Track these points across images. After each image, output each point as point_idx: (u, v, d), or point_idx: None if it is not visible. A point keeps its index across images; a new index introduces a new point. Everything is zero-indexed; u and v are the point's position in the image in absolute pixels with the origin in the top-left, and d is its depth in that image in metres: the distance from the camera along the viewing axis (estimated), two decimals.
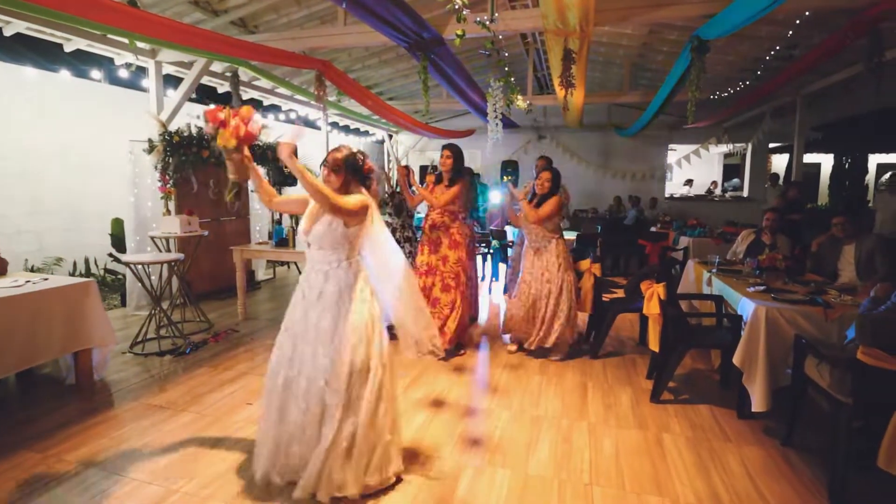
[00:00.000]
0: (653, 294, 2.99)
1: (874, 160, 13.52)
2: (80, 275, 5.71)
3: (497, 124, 4.43)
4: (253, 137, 1.96)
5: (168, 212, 4.48)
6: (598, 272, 3.73)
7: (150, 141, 4.67)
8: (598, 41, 6.84)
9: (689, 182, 11.56)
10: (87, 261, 5.78)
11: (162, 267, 3.88)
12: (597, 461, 2.36)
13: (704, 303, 3.60)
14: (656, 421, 2.77)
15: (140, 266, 3.81)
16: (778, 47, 4.83)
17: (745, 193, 10.83)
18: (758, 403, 2.64)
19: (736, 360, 2.69)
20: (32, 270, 5.13)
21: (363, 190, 2.10)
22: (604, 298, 3.93)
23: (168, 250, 4.25)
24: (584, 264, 3.83)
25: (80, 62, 5.35)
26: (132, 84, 5.77)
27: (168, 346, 3.79)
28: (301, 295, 2.07)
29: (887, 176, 6.79)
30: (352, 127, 10.79)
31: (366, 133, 11.52)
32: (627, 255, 7.26)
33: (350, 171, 2.06)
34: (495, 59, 4.21)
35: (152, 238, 4.10)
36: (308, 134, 3.56)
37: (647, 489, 2.15)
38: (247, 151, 1.98)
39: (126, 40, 4.47)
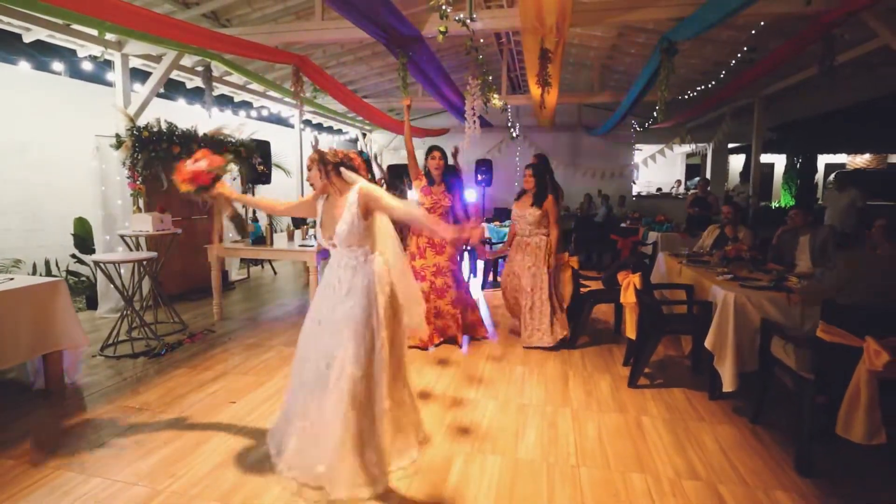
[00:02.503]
0: (629, 284, 3.11)
1: (823, 160, 14.43)
2: (40, 276, 5.43)
3: (475, 122, 4.50)
4: (200, 175, 2.14)
5: (139, 209, 4.32)
6: (576, 265, 3.85)
7: (117, 136, 4.49)
8: (569, 43, 7.01)
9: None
10: (47, 262, 5.50)
11: (134, 267, 3.74)
12: (582, 444, 2.45)
13: (675, 291, 3.78)
14: (635, 405, 2.90)
15: (111, 266, 3.67)
16: (739, 54, 5.10)
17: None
18: (728, 384, 2.80)
19: (707, 343, 2.84)
20: None
21: (347, 174, 2.12)
22: (581, 291, 4.05)
23: (139, 249, 4.11)
24: (563, 257, 3.93)
25: (40, 53, 5.10)
26: (96, 78, 5.54)
27: (141, 347, 3.66)
28: (331, 290, 2.13)
29: (833, 175, 7.29)
30: (325, 125, 10.66)
31: (339, 131, 11.41)
32: (600, 250, 7.48)
33: (320, 164, 2.11)
34: (474, 58, 4.27)
35: (122, 237, 3.95)
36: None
37: (631, 467, 2.25)
38: (218, 188, 2.19)
39: (93, 31, 4.31)
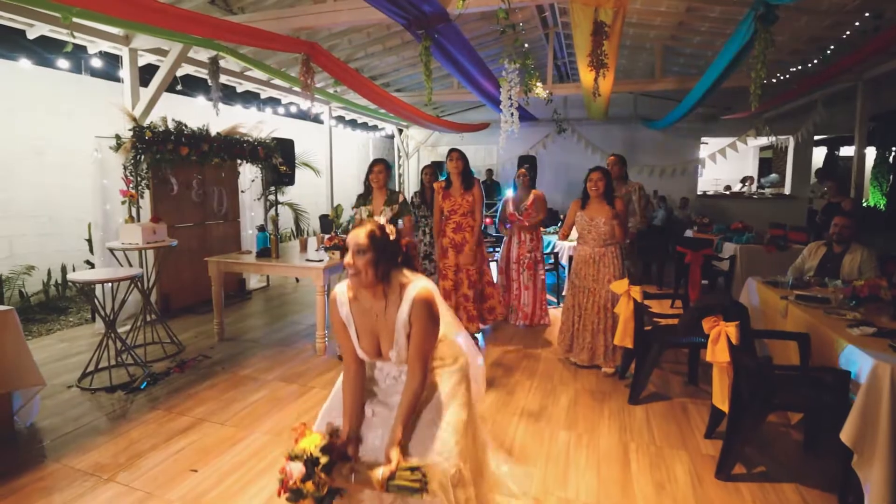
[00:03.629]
0: (720, 335, 2.27)
1: None
2: (55, 284, 5.23)
3: (512, 114, 3.73)
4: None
5: (132, 218, 3.91)
6: (639, 297, 3.02)
7: (117, 137, 4.10)
8: (626, 22, 6.04)
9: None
10: (63, 268, 5.29)
11: (114, 286, 3.29)
12: None
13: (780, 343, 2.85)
14: None
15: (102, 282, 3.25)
16: (858, 22, 4.00)
17: (787, 191, 9.84)
18: (876, 498, 1.91)
19: (845, 437, 1.95)
20: None
21: (406, 272, 1.57)
22: (645, 327, 3.21)
23: (141, 261, 3.69)
24: (621, 286, 3.12)
25: (47, 51, 4.84)
26: (111, 76, 5.25)
27: (123, 377, 3.21)
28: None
29: None
30: (359, 121, 10.15)
31: (374, 128, 10.87)
32: (661, 263, 6.45)
33: (380, 250, 1.49)
34: (511, 37, 3.51)
35: (111, 251, 3.53)
36: None
37: None
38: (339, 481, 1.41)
39: (102, 26, 3.91)
